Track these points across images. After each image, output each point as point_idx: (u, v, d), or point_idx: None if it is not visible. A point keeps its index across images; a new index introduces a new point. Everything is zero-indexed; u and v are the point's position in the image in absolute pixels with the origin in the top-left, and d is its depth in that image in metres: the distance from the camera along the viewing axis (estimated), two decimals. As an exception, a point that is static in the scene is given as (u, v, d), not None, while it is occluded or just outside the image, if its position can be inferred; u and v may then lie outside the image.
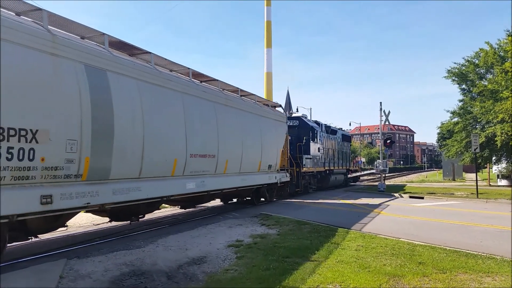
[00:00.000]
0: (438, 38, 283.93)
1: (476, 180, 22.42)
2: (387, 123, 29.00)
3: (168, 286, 5.84)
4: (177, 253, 7.81)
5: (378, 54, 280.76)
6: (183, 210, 14.77)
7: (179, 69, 11.89)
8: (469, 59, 31.17)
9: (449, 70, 32.24)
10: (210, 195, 13.22)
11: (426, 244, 8.58)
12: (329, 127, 28.47)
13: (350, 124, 58.35)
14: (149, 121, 9.48)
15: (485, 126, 29.09)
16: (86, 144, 7.74)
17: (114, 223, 11.03)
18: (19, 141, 6.45)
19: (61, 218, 8.08)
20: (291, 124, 21.40)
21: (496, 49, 28.68)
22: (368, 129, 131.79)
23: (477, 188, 21.42)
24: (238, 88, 14.91)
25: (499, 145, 26.05)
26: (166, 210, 15.30)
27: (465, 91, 32.50)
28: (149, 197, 9.69)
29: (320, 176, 25.11)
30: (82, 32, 8.79)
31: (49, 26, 7.56)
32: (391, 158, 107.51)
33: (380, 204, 17.49)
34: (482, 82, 29.40)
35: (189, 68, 12.03)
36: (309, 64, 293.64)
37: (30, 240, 8.27)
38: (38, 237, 8.15)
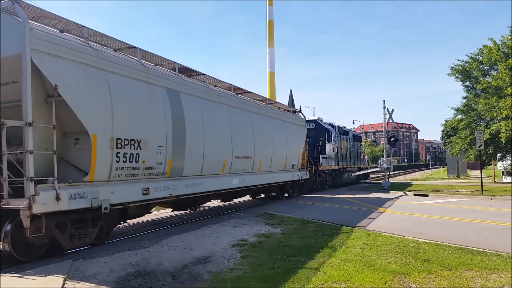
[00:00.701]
0: (441, 36, 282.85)
1: (481, 177, 22.33)
2: (390, 121, 28.91)
3: (174, 286, 5.85)
4: (182, 253, 7.83)
5: (382, 53, 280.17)
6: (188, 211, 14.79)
7: (223, 85, 14.20)
8: (472, 56, 31.02)
9: (452, 67, 32.08)
10: (247, 190, 15.73)
11: (431, 241, 8.56)
12: (342, 128, 30.86)
13: (353, 123, 58.28)
14: (207, 130, 11.83)
15: (490, 123, 28.94)
16: (169, 149, 10.13)
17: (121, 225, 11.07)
18: (130, 148, 8.90)
19: (149, 206, 10.46)
20: (308, 126, 23.22)
21: (500, 46, 28.53)
22: (372, 127, 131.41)
23: (482, 185, 21.34)
24: (266, 98, 17.65)
25: (503, 141, 25.93)
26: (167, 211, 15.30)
27: (469, 88, 32.33)
28: (208, 190, 12.13)
29: (334, 174, 27.08)
30: (157, 61, 11.04)
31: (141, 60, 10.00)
32: (395, 156, 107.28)
33: (384, 202, 17.46)
34: (486, 79, 29.27)
35: (230, 84, 14.37)
36: (312, 63, 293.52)
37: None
38: (127, 222, 10.44)
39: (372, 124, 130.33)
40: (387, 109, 27.79)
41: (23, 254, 7.14)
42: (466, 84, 32.42)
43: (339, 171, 27.80)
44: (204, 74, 12.63)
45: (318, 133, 24.69)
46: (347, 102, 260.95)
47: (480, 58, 30.26)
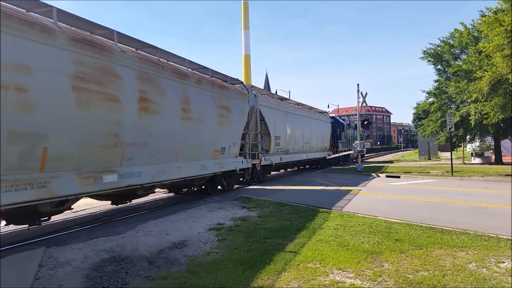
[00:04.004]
0: (414, 20, 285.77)
1: (451, 158, 22.92)
2: (364, 104, 29.25)
3: (150, 271, 5.83)
4: (157, 238, 7.80)
5: (354, 37, 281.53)
6: (166, 195, 14.78)
7: (295, 102, 25.83)
8: (444, 39, 31.57)
9: (425, 51, 32.62)
10: (305, 162, 27.31)
11: (402, 221, 8.79)
12: (348, 121, 42.08)
13: (328, 106, 58.44)
14: (296, 129, 23.12)
15: (460, 106, 29.68)
16: (286, 139, 21.65)
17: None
18: (277, 140, 20.36)
19: (275, 167, 21.58)
20: (330, 121, 33.81)
21: (470, 30, 29.10)
22: (346, 111, 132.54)
23: (452, 167, 21.97)
24: (312, 106, 28.50)
25: (473, 124, 26.66)
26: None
27: (441, 72, 32.98)
28: (296, 160, 23.99)
29: (345, 154, 37.29)
30: (277, 97, 23.11)
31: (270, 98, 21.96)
32: (368, 139, 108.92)
33: (358, 184, 17.78)
34: (456, 63, 29.86)
35: (299, 102, 26.39)
36: (286, 47, 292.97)
37: (7, 231, 8.20)
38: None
39: (346, 108, 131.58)
40: (361, 92, 28.09)
41: (252, 180, 18.36)
42: (437, 67, 33.07)
43: (347, 151, 37.99)
44: (292, 100, 25.46)
45: (335, 125, 34.80)
46: (322, 86, 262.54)
47: (452, 42, 30.83)
